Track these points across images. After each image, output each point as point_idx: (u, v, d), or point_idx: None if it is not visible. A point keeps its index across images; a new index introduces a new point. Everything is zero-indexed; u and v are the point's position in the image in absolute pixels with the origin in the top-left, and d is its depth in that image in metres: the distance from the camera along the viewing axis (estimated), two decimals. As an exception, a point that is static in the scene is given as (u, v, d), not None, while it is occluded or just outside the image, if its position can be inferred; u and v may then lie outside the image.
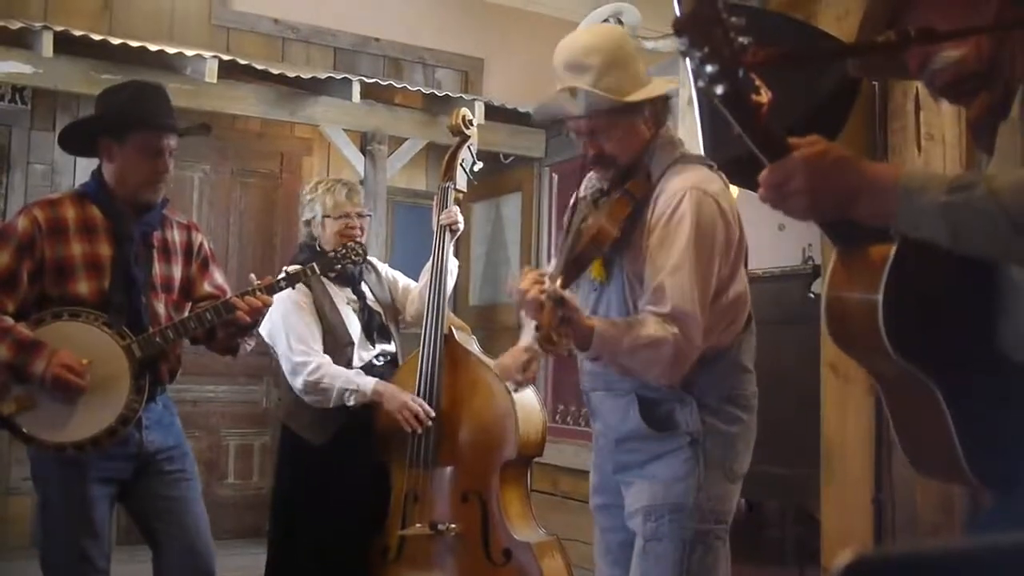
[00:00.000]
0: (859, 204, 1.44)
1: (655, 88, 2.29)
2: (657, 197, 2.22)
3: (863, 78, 3.32)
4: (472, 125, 3.56)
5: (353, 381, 3.28)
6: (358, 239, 3.39)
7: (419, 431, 3.24)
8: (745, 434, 2.33)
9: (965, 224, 1.38)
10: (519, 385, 2.39)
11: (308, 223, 3.51)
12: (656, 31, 4.65)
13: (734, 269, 2.27)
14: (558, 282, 2.06)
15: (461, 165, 3.51)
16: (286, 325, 3.30)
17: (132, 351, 2.63)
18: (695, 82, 1.37)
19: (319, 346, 3.32)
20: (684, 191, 2.19)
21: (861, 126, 3.42)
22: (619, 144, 2.25)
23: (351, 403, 3.27)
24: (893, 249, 1.50)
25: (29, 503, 5.08)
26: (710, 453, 2.25)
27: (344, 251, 3.13)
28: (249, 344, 2.92)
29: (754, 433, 2.37)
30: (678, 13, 1.37)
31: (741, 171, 2.24)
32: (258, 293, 2.75)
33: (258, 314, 2.75)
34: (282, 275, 2.94)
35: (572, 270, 2.18)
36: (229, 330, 2.79)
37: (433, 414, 3.26)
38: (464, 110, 3.59)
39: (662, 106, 2.31)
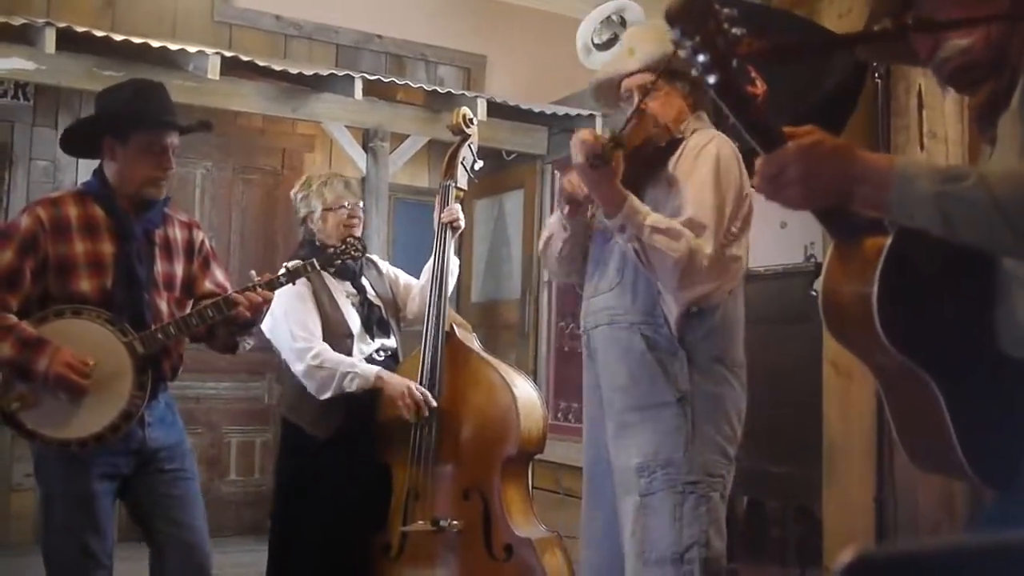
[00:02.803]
0: (853, 193, 1.44)
1: None
2: (687, 141, 2.47)
3: (868, 72, 3.33)
4: (472, 124, 3.56)
5: (356, 366, 3.29)
6: (355, 233, 3.40)
7: (414, 420, 3.24)
8: (732, 396, 2.45)
9: (957, 214, 1.38)
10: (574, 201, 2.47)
11: (305, 220, 3.50)
12: (659, 28, 4.65)
13: (740, 231, 2.45)
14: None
15: (462, 163, 3.51)
16: (287, 315, 3.30)
17: (135, 348, 2.64)
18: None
19: (319, 334, 3.32)
20: (711, 138, 2.45)
21: (864, 124, 3.42)
22: (661, 105, 2.46)
23: (352, 388, 3.26)
24: (888, 241, 1.51)
25: (32, 499, 5.09)
26: (698, 412, 2.38)
27: (344, 247, 3.15)
28: (249, 342, 2.93)
29: (742, 400, 2.49)
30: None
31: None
32: (258, 289, 2.75)
33: (258, 310, 2.75)
34: (283, 271, 2.95)
35: (620, 137, 2.28)
36: (229, 328, 2.79)
37: (434, 404, 3.27)
38: (464, 109, 3.60)
39: (700, 92, 2.49)
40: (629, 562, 2.40)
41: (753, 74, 1.43)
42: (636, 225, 2.29)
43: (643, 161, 2.40)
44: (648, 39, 2.50)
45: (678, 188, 2.39)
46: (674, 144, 2.45)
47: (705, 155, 2.40)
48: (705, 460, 2.37)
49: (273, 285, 2.83)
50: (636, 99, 2.46)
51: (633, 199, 2.31)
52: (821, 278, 1.65)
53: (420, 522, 3.24)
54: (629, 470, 2.39)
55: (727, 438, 2.43)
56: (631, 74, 2.49)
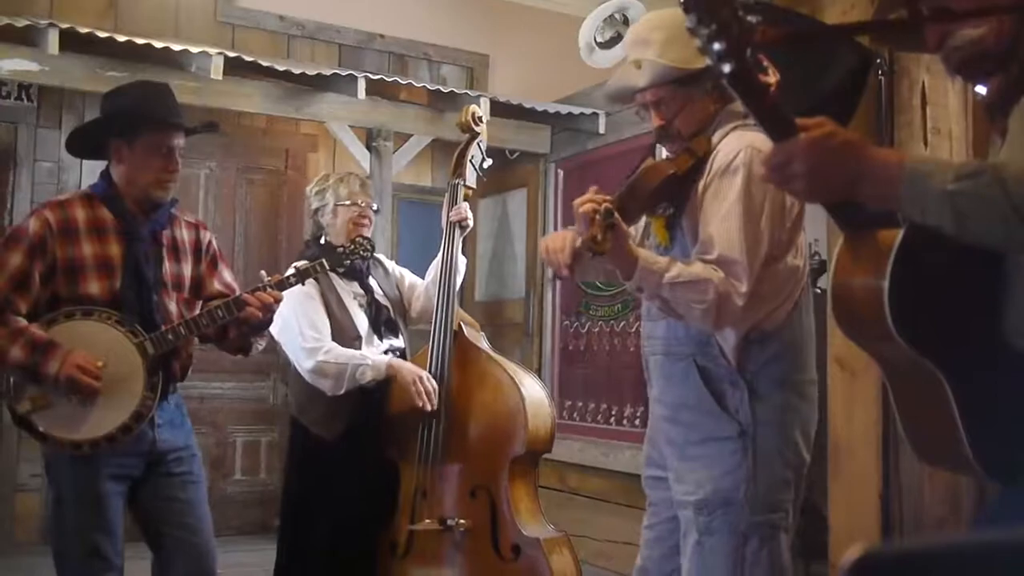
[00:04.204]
0: (862, 187, 1.45)
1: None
2: (715, 155, 2.26)
3: (872, 67, 3.33)
4: (481, 122, 3.57)
5: (367, 358, 3.29)
6: (365, 233, 3.40)
7: (428, 407, 3.24)
8: (801, 421, 2.31)
9: (970, 212, 1.38)
10: (561, 272, 2.27)
11: (316, 212, 3.51)
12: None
13: (791, 238, 2.28)
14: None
15: (471, 162, 3.51)
16: (296, 315, 3.29)
17: (145, 348, 2.64)
18: None
19: (329, 334, 3.32)
20: (740, 149, 2.22)
21: (867, 120, 3.42)
22: (683, 116, 2.31)
23: (365, 379, 3.26)
24: (900, 234, 1.51)
25: (38, 500, 5.11)
26: (761, 443, 2.24)
27: (353, 247, 3.15)
28: (260, 344, 2.93)
29: (813, 420, 2.35)
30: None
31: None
32: (269, 289, 2.76)
33: (269, 310, 2.76)
34: (292, 271, 2.95)
35: (625, 199, 2.19)
36: (241, 329, 2.80)
37: (436, 394, 3.27)
38: (474, 107, 3.60)
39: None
40: None
41: (766, 63, 1.42)
42: (653, 284, 2.14)
43: (673, 185, 2.26)
44: (648, 50, 2.28)
45: (706, 216, 2.21)
46: (703, 160, 2.27)
47: (731, 175, 2.20)
48: (768, 497, 2.24)
49: (283, 285, 2.83)
50: (651, 114, 2.32)
51: (645, 259, 2.15)
52: (830, 270, 1.66)
53: (427, 521, 3.25)
54: (688, 505, 2.29)
55: (793, 466, 2.29)
56: (642, 90, 2.31)
